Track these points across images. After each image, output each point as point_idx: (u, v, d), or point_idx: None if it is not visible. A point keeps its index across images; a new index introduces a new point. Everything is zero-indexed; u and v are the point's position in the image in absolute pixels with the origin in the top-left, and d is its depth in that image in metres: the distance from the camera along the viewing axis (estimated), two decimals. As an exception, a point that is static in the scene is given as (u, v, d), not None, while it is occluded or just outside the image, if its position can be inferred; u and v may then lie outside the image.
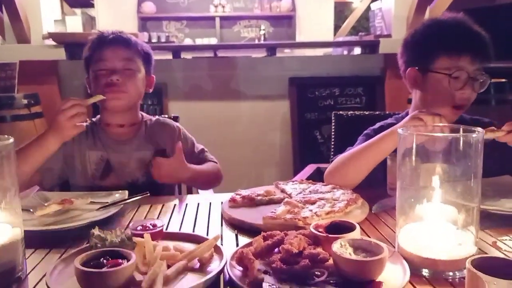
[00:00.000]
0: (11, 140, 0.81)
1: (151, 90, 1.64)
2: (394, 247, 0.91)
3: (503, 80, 3.62)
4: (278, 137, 3.73)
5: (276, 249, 0.87)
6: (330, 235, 0.87)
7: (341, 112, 1.97)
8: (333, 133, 1.97)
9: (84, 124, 1.37)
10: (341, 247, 0.81)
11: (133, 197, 1.22)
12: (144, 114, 1.68)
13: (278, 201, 1.20)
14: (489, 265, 0.70)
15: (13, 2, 3.30)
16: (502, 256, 0.74)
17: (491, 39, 1.39)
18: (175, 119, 1.91)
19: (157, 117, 1.72)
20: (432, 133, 0.95)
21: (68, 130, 1.33)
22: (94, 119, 1.63)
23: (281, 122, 3.72)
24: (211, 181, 1.64)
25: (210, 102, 3.66)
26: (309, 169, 2.30)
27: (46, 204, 1.17)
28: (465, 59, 1.34)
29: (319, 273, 0.79)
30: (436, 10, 3.85)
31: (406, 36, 1.51)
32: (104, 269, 0.75)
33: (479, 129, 0.84)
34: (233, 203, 1.20)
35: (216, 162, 1.74)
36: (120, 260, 0.78)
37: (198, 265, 0.86)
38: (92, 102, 1.42)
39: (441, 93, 1.37)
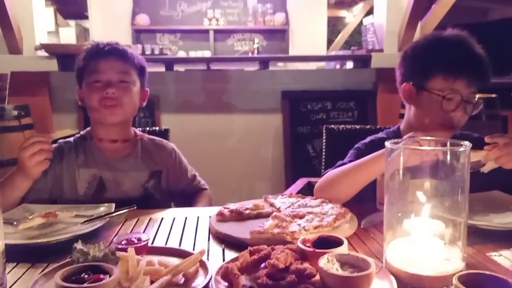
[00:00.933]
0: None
1: (144, 104, 1.61)
2: (382, 262, 0.90)
3: (493, 95, 3.66)
4: (270, 150, 3.72)
5: (263, 264, 0.86)
6: (317, 250, 0.86)
7: (332, 126, 1.97)
8: (324, 147, 1.97)
9: (48, 161, 1.29)
10: (328, 262, 0.80)
11: (119, 210, 1.20)
12: (136, 131, 1.64)
13: (266, 215, 1.19)
14: (476, 282, 0.69)
15: (5, 13, 3.29)
16: (489, 272, 0.73)
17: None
18: (166, 131, 1.90)
19: (152, 137, 1.68)
20: (419, 147, 0.94)
21: (31, 169, 1.26)
22: (82, 133, 1.58)
23: (273, 135, 3.72)
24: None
25: (202, 115, 3.66)
26: (300, 183, 2.30)
27: (30, 217, 1.15)
28: (460, 82, 1.34)
29: (305, 289, 0.77)
30: (427, 26, 3.89)
31: (406, 48, 1.50)
32: (84, 285, 0.73)
33: (466, 142, 0.83)
34: (221, 217, 1.19)
35: (206, 188, 1.72)
36: (101, 275, 0.77)
37: (182, 280, 0.84)
38: (59, 137, 1.35)
39: (433, 112, 1.38)
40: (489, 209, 1.22)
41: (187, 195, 1.65)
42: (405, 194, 0.89)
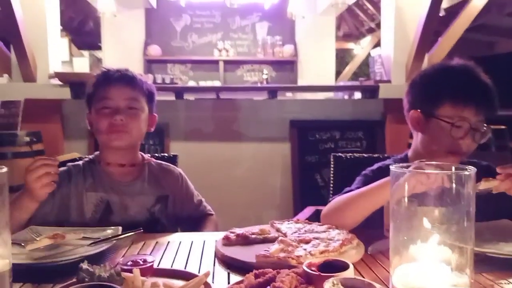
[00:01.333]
0: (5, 169, 0.82)
1: (152, 129, 1.63)
2: (389, 288, 0.89)
3: (503, 127, 3.67)
4: (279, 179, 3.72)
5: (267, 287, 0.86)
6: (322, 274, 0.85)
7: (340, 154, 1.97)
8: (332, 175, 1.97)
9: (54, 183, 1.29)
10: (333, 286, 0.79)
11: (126, 233, 1.21)
12: (144, 155, 1.66)
13: (272, 240, 1.19)
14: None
15: (21, 41, 3.40)
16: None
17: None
18: (174, 158, 1.91)
19: (159, 161, 1.69)
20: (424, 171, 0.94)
21: (37, 191, 1.27)
22: (91, 157, 1.61)
23: (281, 164, 3.73)
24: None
25: (211, 143, 3.69)
26: (308, 211, 2.28)
27: (37, 239, 1.16)
28: (469, 110, 1.36)
29: (310, 313, 0.77)
30: (434, 58, 3.94)
31: (414, 76, 1.53)
32: (89, 303, 0.73)
33: (471, 167, 0.84)
34: (227, 241, 1.19)
35: (212, 214, 1.72)
36: (106, 294, 0.77)
37: (187, 302, 0.84)
38: (65, 160, 1.35)
39: (441, 139, 1.39)
40: (498, 237, 1.20)
41: (193, 220, 1.65)
42: (411, 220, 0.89)
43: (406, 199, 0.86)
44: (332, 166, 1.97)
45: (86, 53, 8.99)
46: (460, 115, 1.35)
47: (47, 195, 1.31)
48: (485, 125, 1.38)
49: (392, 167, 0.88)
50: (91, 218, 1.48)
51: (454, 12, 5.21)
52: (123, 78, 1.53)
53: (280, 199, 3.70)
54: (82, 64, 7.65)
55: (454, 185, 0.83)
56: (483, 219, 1.33)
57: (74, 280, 0.89)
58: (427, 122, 1.43)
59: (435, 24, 3.72)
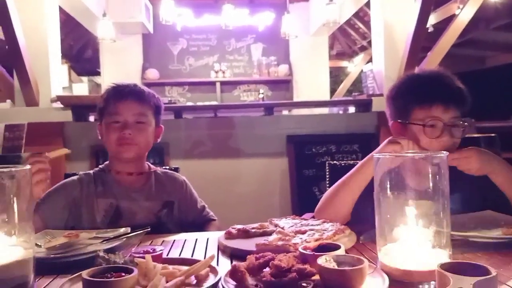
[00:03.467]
0: (28, 166, 0.91)
1: (159, 140, 1.74)
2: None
3: (493, 134, 3.76)
4: (277, 193, 3.79)
5: (267, 268, 0.94)
6: (316, 253, 0.95)
7: (335, 162, 2.07)
8: (327, 183, 2.05)
9: (47, 180, 1.38)
10: (326, 262, 0.89)
11: (135, 232, 1.30)
12: (151, 165, 1.76)
13: (270, 233, 1.28)
14: (457, 268, 0.77)
15: (24, 68, 3.52)
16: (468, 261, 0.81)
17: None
18: (176, 170, 2.01)
19: (165, 170, 1.80)
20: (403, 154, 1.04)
21: (32, 187, 1.30)
22: (101, 166, 1.71)
23: (280, 178, 3.80)
24: None
25: (210, 160, 3.77)
26: (306, 216, 2.36)
27: (52, 240, 1.25)
28: (437, 109, 1.40)
29: (305, 285, 0.86)
30: (425, 71, 4.06)
31: (388, 91, 1.61)
32: (108, 279, 0.82)
33: (444, 152, 0.94)
34: (229, 235, 1.28)
35: (215, 219, 1.82)
36: (123, 274, 0.85)
37: (195, 281, 0.93)
38: (55, 156, 1.41)
39: (422, 142, 1.43)
40: (481, 226, 1.29)
41: (197, 225, 1.74)
42: (394, 204, 0.99)
43: (388, 183, 0.96)
44: (327, 174, 2.06)
45: (85, 79, 9.16)
46: (430, 115, 1.40)
47: (42, 192, 1.41)
48: (462, 120, 1.42)
49: (375, 154, 0.98)
50: (101, 222, 1.57)
51: (442, 28, 5.38)
52: (132, 94, 1.64)
53: (279, 213, 3.76)
54: (81, 90, 7.81)
55: (430, 167, 0.93)
56: (469, 210, 1.42)
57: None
58: (406, 130, 1.48)
59: (422, 39, 3.85)
